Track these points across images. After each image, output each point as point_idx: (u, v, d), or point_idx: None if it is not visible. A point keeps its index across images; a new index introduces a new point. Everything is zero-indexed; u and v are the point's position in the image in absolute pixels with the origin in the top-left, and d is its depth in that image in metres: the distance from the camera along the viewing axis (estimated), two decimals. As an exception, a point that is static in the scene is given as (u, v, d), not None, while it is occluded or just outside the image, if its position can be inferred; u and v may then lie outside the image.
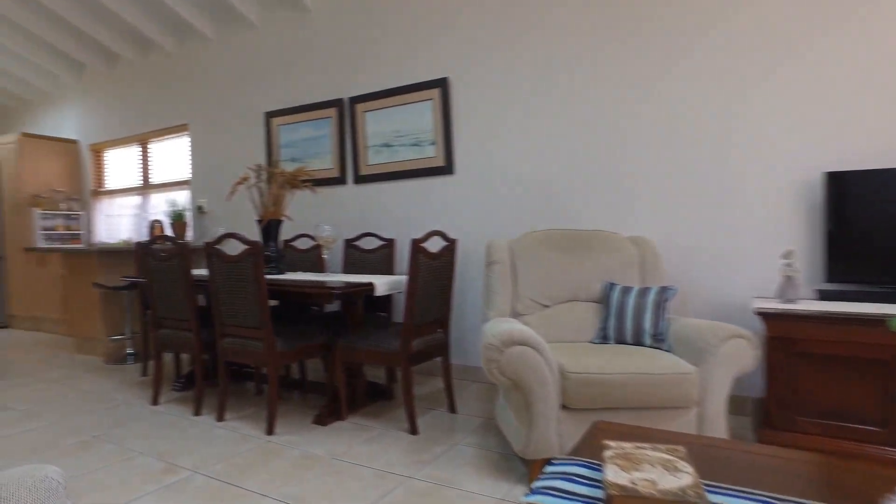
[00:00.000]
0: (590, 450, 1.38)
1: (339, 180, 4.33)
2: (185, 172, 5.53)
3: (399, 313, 3.99)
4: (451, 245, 3.04)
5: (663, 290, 2.60)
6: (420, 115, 3.91)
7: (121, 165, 6.29)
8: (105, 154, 6.45)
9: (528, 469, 2.26)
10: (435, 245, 3.23)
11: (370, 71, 4.15)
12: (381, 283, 2.96)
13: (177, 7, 4.72)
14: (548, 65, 3.46)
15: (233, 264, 2.85)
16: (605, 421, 1.60)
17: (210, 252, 2.94)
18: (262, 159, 4.80)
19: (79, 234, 6.44)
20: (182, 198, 5.55)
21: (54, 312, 5.91)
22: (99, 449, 2.66)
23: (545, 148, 3.49)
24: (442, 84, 3.80)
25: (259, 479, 2.29)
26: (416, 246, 2.74)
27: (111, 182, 6.42)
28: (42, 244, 6.09)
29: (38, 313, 6.13)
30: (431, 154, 3.88)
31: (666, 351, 2.43)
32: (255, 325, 2.83)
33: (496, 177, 3.67)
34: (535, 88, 3.51)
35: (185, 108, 5.39)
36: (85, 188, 6.60)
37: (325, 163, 4.41)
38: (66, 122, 6.76)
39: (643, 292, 2.63)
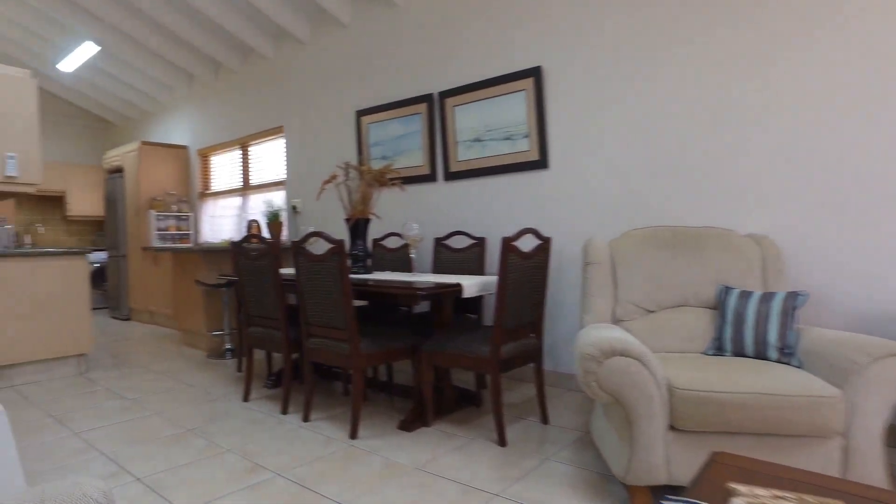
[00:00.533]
0: (709, 490, 1.13)
1: (430, 177, 4.23)
2: (281, 173, 5.68)
3: (490, 316, 3.82)
4: (544, 244, 2.82)
5: (792, 296, 2.24)
6: (512, 108, 3.72)
7: (224, 168, 6.59)
8: (211, 158, 6.80)
9: (630, 494, 2.00)
10: (527, 244, 3.04)
11: (460, 64, 4.01)
12: (470, 284, 2.79)
13: (273, 14, 4.83)
14: (650, 47, 3.14)
15: (318, 263, 2.80)
16: (727, 453, 1.33)
17: (297, 251, 2.92)
18: (353, 158, 4.81)
19: (188, 234, 6.82)
20: (279, 198, 5.70)
21: (166, 307, 6.29)
22: (191, 443, 2.70)
23: (648, 138, 3.18)
24: (535, 73, 3.58)
25: (339, 486, 2.20)
26: (507, 245, 2.55)
27: (216, 184, 6.75)
28: (156, 243, 6.51)
29: (153, 307, 6.55)
30: (524, 147, 3.67)
31: (796, 367, 2.08)
32: (340, 326, 2.77)
33: (594, 170, 3.40)
34: (636, 73, 3.20)
35: (281, 111, 5.54)
36: (193, 191, 6.99)
37: (415, 160, 4.32)
38: (177, 130, 7.21)
39: (766, 297, 2.28)
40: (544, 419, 2.90)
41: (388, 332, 3.00)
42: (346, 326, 2.73)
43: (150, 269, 6.59)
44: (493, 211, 3.87)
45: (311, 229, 3.06)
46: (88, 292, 4.23)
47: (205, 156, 6.83)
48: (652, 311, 2.57)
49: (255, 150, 6.12)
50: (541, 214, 3.64)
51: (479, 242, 3.72)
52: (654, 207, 3.17)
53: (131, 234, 6.86)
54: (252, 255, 3.21)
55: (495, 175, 3.85)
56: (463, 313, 3.62)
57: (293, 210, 5.42)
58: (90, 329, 4.22)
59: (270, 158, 5.88)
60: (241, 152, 6.28)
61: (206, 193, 6.87)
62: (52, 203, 8.41)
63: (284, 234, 5.43)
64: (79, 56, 6.62)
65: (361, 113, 4.70)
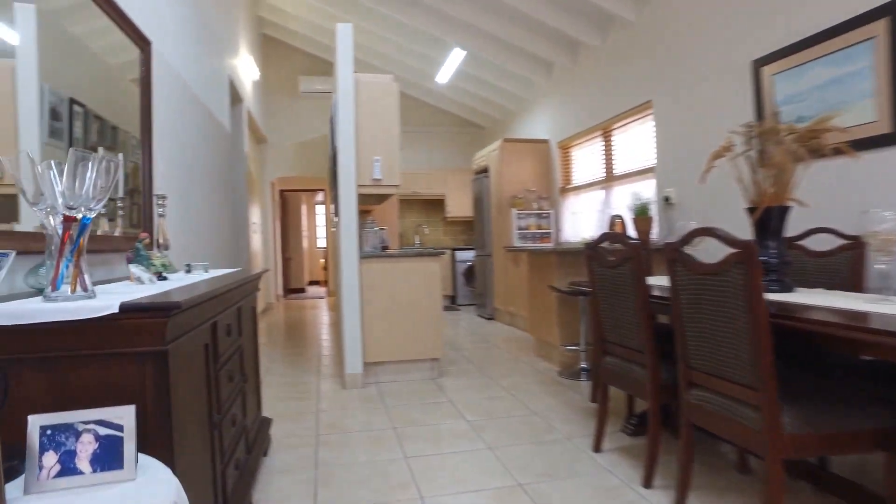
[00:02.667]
0: None
1: (889, 139, 2.67)
2: (649, 159, 4.69)
3: None
4: None
5: None
6: None
7: (585, 160, 5.95)
8: (571, 150, 6.25)
9: None
10: None
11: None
12: None
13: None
14: None
15: (708, 277, 1.77)
16: None
17: (673, 257, 1.95)
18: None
19: (548, 233, 6.43)
20: (647, 189, 4.73)
21: (524, 310, 6.00)
22: (521, 512, 2.02)
23: None
24: None
25: None
26: None
27: (577, 178, 6.17)
28: (517, 243, 6.29)
29: (513, 309, 6.36)
30: None
31: None
32: (745, 382, 1.68)
33: None
34: None
35: (648, 84, 4.55)
36: (554, 186, 6.58)
37: (858, 115, 2.81)
38: (538, 124, 6.93)
39: None
40: None
41: (829, 395, 1.75)
42: (756, 384, 1.63)
43: (511, 269, 6.43)
44: None
45: (693, 225, 2.04)
46: (441, 295, 4.07)
47: (565, 148, 6.34)
48: None
49: (618, 137, 5.28)
50: None
51: None
52: None
53: (495, 233, 6.85)
54: (609, 260, 2.37)
55: None
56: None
57: (665, 202, 4.38)
58: (441, 333, 4.05)
59: (636, 143, 4.95)
60: (602, 141, 5.53)
61: (566, 188, 6.36)
62: (434, 206, 9.27)
63: (654, 232, 4.44)
64: (450, 65, 6.91)
65: (760, 62, 3.36)
